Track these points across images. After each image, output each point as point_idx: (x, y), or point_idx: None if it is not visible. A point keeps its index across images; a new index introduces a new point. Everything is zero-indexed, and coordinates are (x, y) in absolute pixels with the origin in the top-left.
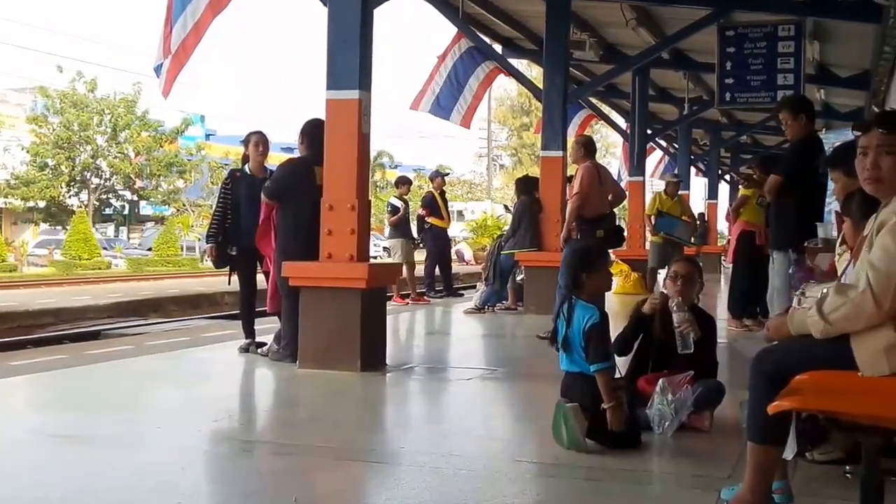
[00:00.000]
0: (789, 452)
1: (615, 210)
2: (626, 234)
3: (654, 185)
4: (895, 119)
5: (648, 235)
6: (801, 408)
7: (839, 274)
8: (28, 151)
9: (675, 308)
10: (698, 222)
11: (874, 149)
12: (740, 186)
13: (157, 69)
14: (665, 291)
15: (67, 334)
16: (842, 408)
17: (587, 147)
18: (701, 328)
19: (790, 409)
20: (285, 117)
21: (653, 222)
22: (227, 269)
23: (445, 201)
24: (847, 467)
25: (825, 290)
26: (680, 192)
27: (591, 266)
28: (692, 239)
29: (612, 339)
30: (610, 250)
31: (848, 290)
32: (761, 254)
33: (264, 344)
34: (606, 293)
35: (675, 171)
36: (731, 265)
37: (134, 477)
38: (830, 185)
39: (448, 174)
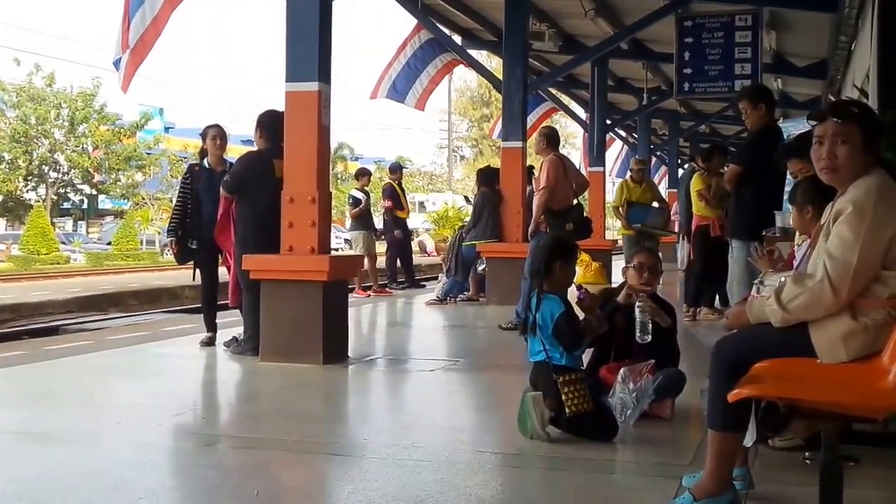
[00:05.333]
0: (749, 439)
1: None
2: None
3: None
4: (850, 108)
5: (620, 228)
6: (761, 395)
7: (796, 263)
8: None
9: (639, 305)
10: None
11: (829, 138)
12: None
13: (116, 63)
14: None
15: (26, 330)
16: (801, 395)
17: (550, 139)
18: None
19: (750, 397)
20: (244, 109)
21: (622, 214)
22: (191, 264)
23: (404, 192)
24: (807, 454)
25: (783, 279)
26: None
27: (566, 256)
28: (666, 226)
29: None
30: (578, 241)
31: (805, 280)
32: (718, 244)
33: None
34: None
35: (637, 156)
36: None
37: (94, 474)
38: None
39: (406, 167)
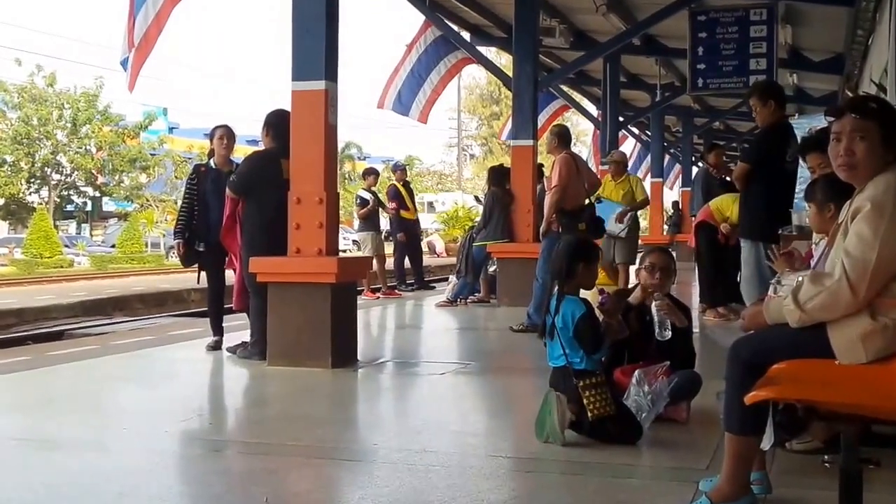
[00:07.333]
0: (767, 442)
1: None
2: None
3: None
4: (868, 104)
5: None
6: (779, 397)
7: (814, 262)
8: None
9: (657, 304)
10: (671, 215)
11: (848, 134)
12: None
13: (124, 63)
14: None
15: (30, 335)
16: (819, 396)
17: (562, 137)
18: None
19: (767, 399)
20: (250, 109)
21: None
22: (196, 266)
23: (410, 192)
24: (825, 456)
25: (800, 279)
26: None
27: (589, 258)
28: (627, 228)
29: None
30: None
31: (823, 279)
32: (725, 244)
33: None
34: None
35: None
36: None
37: (100, 480)
38: (801, 172)
39: (406, 166)
